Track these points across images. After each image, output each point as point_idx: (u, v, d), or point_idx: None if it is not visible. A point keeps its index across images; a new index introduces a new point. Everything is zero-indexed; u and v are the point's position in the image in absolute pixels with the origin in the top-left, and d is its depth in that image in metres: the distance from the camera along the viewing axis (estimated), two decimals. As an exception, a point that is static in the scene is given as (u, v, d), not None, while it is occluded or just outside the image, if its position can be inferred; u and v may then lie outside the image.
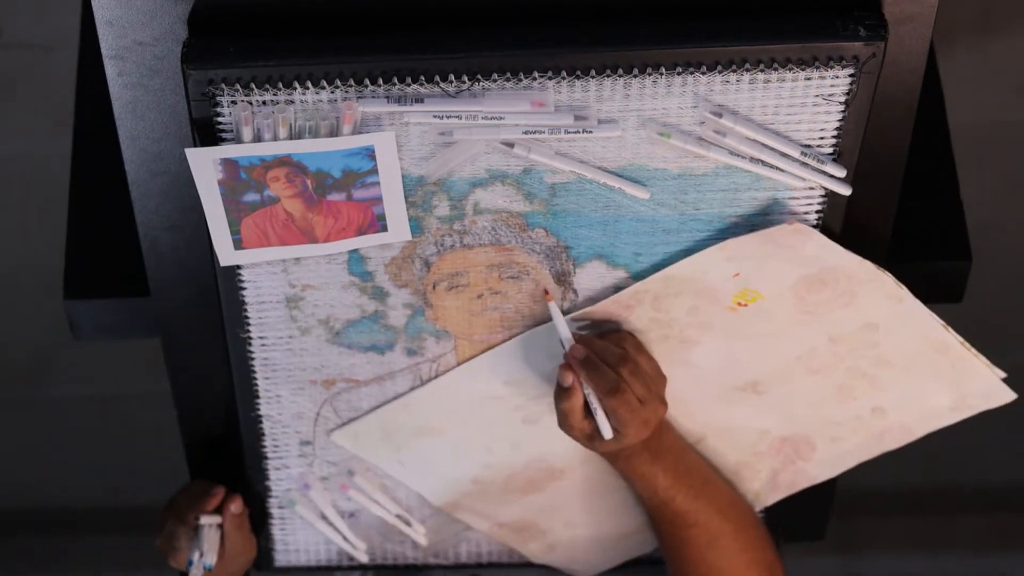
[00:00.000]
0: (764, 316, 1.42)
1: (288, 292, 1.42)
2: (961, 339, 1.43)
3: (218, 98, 1.26)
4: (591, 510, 1.61)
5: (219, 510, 1.54)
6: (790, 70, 1.26)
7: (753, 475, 1.57)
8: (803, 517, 1.68)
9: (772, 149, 1.31)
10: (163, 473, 1.85)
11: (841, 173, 1.33)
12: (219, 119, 1.27)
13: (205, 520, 1.52)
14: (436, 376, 1.49)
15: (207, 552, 1.52)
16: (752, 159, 1.32)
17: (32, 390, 2.53)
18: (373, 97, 1.27)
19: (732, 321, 1.42)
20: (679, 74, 1.26)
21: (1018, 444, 2.51)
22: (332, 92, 1.26)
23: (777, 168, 1.32)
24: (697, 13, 1.26)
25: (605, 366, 1.38)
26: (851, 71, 1.27)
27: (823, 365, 1.46)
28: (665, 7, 1.25)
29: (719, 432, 1.53)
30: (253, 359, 1.48)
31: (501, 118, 1.28)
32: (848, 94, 1.28)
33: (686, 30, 1.25)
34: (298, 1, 1.25)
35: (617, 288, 1.41)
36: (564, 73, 1.26)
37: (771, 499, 1.59)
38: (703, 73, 1.26)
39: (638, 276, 1.40)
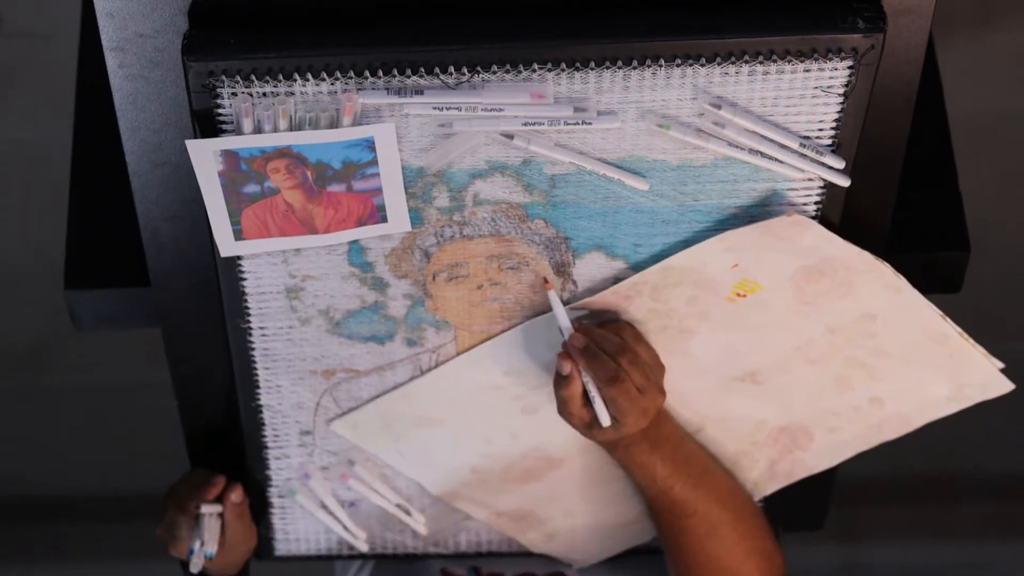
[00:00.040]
0: (763, 307, 1.42)
1: (288, 283, 1.42)
2: (959, 329, 1.43)
3: (218, 89, 1.26)
4: (590, 499, 1.62)
5: (220, 499, 1.54)
6: (789, 62, 1.26)
7: (751, 464, 1.57)
8: (802, 507, 1.68)
9: (771, 140, 1.32)
10: (163, 462, 1.84)
11: (840, 164, 1.33)
12: (219, 110, 1.28)
13: (206, 509, 1.53)
14: (436, 366, 1.49)
15: (208, 541, 1.52)
16: (751, 150, 1.32)
17: (33, 379, 2.53)
18: (373, 89, 1.27)
19: (731, 312, 1.43)
20: (678, 66, 1.26)
21: (1016, 434, 2.51)
22: (332, 84, 1.26)
23: (776, 159, 1.33)
24: (696, 5, 1.26)
25: (604, 355, 1.39)
26: (850, 63, 1.27)
27: (821, 355, 1.47)
28: (664, -1, 1.26)
29: (717, 422, 1.53)
30: (253, 349, 1.48)
31: (501, 110, 1.29)
32: (847, 86, 1.28)
33: (685, 22, 1.25)
34: (298, -7, 1.26)
35: (616, 279, 1.41)
36: (563, 65, 1.26)
37: (769, 489, 1.59)
38: (702, 65, 1.26)
39: (637, 267, 1.40)
